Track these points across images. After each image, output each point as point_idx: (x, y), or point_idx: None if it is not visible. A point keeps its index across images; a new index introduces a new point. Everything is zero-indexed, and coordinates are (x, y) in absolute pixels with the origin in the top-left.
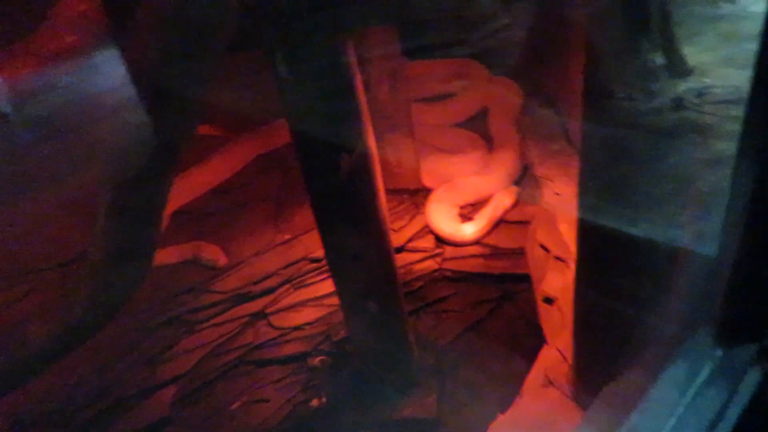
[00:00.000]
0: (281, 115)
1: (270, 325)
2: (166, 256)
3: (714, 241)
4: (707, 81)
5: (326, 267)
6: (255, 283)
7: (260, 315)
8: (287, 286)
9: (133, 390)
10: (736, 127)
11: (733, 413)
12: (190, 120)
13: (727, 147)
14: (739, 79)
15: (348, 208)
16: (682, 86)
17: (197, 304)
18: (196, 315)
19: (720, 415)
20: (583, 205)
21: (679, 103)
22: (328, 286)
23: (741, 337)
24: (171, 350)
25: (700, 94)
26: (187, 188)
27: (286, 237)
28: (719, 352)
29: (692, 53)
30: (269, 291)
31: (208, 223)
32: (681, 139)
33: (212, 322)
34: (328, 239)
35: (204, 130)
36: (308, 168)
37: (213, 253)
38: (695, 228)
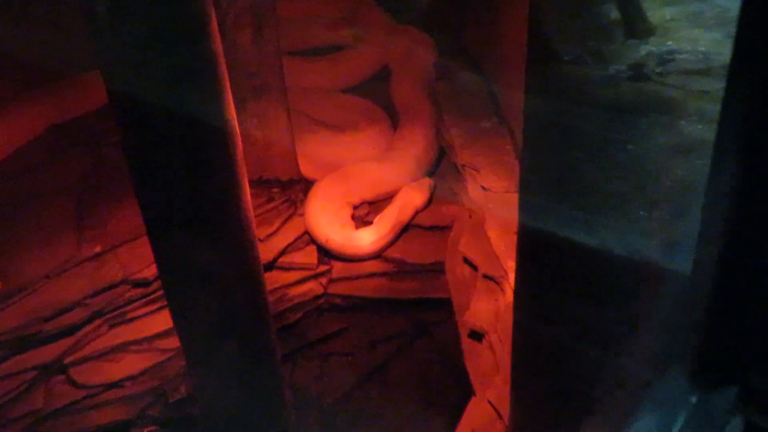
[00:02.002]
0: (92, 66)
1: (71, 381)
2: None
3: (688, 253)
4: (671, 44)
5: (159, 293)
6: (48, 320)
7: (56, 367)
8: (98, 322)
9: None
10: (708, 106)
11: None
12: None
13: (699, 130)
14: (708, 42)
15: (194, 207)
16: (642, 50)
17: None
18: None
19: None
20: (523, 205)
21: (638, 72)
22: (161, 321)
23: (720, 377)
24: None
25: (663, 60)
26: None
27: (96, 249)
28: (694, 399)
29: (653, 7)
30: (70, 331)
31: None
32: (643, 117)
33: None
34: (162, 252)
35: None
36: (134, 147)
37: None
38: (664, 236)
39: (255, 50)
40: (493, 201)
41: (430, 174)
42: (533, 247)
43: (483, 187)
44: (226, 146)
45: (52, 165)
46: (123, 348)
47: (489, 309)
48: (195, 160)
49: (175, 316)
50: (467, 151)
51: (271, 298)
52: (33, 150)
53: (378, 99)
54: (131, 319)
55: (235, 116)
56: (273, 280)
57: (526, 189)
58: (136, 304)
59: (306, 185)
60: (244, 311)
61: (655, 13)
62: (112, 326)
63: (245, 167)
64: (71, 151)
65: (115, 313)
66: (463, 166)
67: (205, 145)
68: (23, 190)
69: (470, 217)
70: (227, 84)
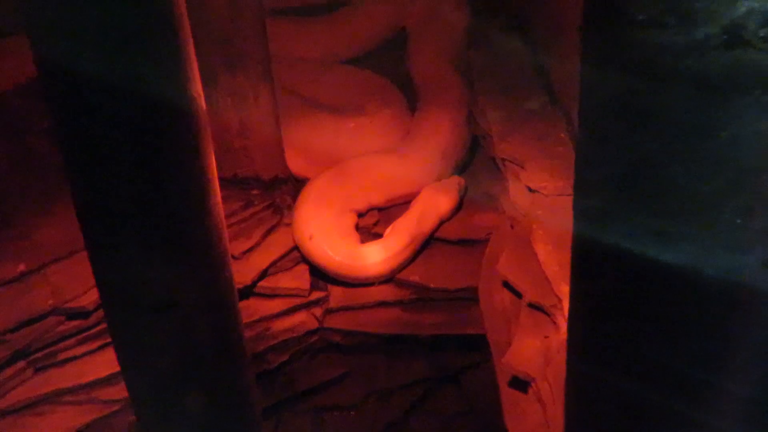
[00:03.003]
0: (15, 29)
1: None
2: None
3: None
4: None
5: (101, 327)
6: None
7: None
8: (21, 364)
9: None
10: None
11: None
12: None
13: None
14: None
15: (147, 214)
16: (742, 6)
17: None
18: None
19: None
20: (579, 211)
21: (736, 36)
22: (104, 364)
23: None
24: None
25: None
26: None
27: (20, 268)
28: None
29: None
30: None
31: None
32: (739, 96)
33: None
34: (105, 274)
35: None
36: (68, 135)
37: None
38: (766, 251)
39: (229, 9)
40: (543, 206)
41: (460, 171)
42: (593, 266)
43: (529, 188)
44: (189, 133)
45: None
46: (54, 398)
47: (536, 349)
48: (149, 152)
49: (121, 358)
50: (509, 141)
51: (248, 334)
52: None
53: (391, 73)
54: (64, 361)
55: (202, 94)
56: (252, 310)
57: (583, 189)
58: (70, 341)
59: (296, 186)
60: (211, 352)
61: None
62: (39, 370)
63: (215, 161)
64: None
65: (44, 352)
66: (503, 160)
67: (161, 131)
68: None
69: (512, 227)
70: (192, 53)
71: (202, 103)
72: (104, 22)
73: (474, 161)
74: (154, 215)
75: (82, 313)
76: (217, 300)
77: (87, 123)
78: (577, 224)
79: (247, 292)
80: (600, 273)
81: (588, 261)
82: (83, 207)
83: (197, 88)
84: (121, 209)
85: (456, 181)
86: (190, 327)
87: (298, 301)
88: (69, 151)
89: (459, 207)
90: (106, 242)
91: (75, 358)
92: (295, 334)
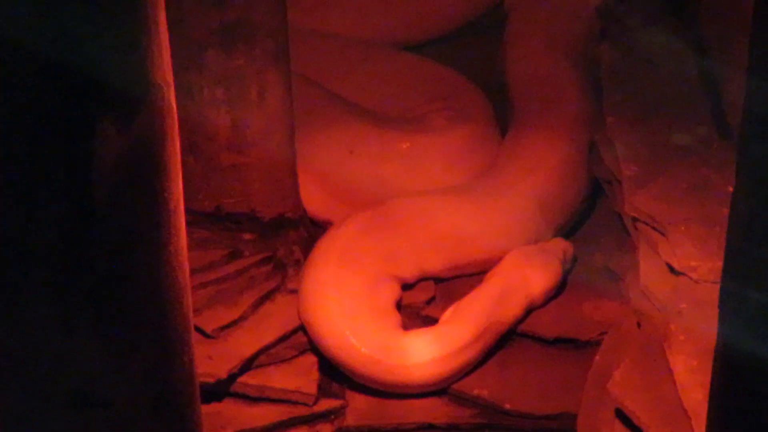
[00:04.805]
0: None
1: None
2: None
3: None
4: None
5: None
6: None
7: None
8: None
9: None
10: None
11: None
12: None
13: None
14: None
15: (68, 257)
16: None
17: None
18: None
19: None
20: (732, 309)
21: None
22: None
23: None
24: None
25: None
26: None
27: None
28: None
29: None
30: None
31: None
32: None
33: None
34: (4, 342)
35: None
36: None
37: None
38: None
39: None
40: (690, 298)
41: (567, 232)
42: (744, 389)
43: (671, 268)
44: (145, 138)
45: None
46: None
47: None
48: (76, 160)
49: None
50: (647, 192)
51: None
52: None
53: (473, 70)
54: None
55: (171, 83)
56: (224, 419)
57: (738, 273)
58: None
59: (310, 233)
60: None
61: None
62: None
63: (189, 184)
64: None
65: None
66: (634, 220)
67: (100, 131)
68: None
69: (639, 326)
70: (161, 19)
71: (171, 95)
72: None
73: (591, 218)
74: (76, 260)
75: None
76: (167, 399)
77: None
78: (725, 326)
79: (221, 390)
80: (755, 399)
81: (739, 381)
82: None
83: (163, 72)
84: (28, 242)
85: (559, 247)
86: None
87: (297, 410)
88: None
89: (561, 287)
90: (5, 296)
91: None
92: None
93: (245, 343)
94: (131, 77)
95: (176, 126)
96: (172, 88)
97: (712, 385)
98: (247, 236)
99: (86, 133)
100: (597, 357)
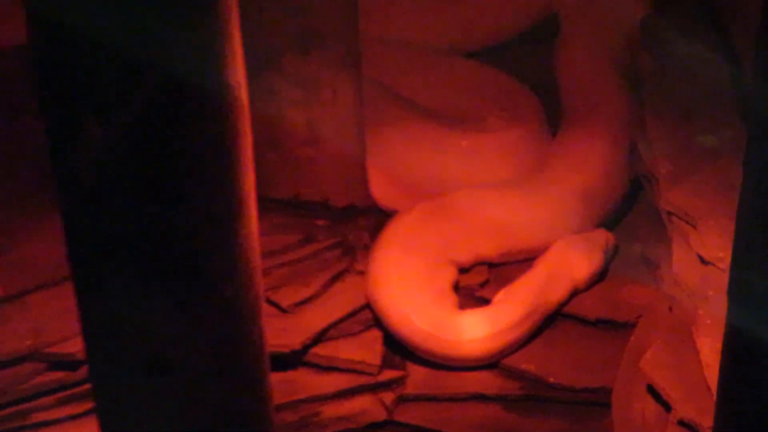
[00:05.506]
0: None
1: None
2: None
3: None
4: None
5: (87, 385)
6: None
7: None
8: None
9: None
10: None
11: None
12: None
13: None
14: None
15: (148, 239)
16: None
17: None
18: None
19: None
20: (739, 292)
21: None
22: None
23: None
24: None
25: None
26: None
27: None
28: None
29: None
30: None
31: None
32: None
33: None
34: (90, 315)
35: None
36: (55, 117)
37: None
38: None
39: None
40: (717, 285)
41: (609, 224)
42: (751, 371)
43: (701, 258)
44: (219, 133)
45: None
46: None
47: None
48: (157, 149)
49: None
50: (681, 188)
51: (289, 418)
52: None
53: (527, 74)
54: (37, 425)
55: (243, 84)
56: (298, 385)
57: (746, 259)
58: (49, 398)
59: (378, 220)
60: None
61: None
62: None
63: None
64: None
65: (12, 409)
66: (669, 214)
67: (179, 123)
68: None
69: (670, 310)
70: (235, 27)
71: (243, 95)
72: None
73: (631, 211)
74: (158, 242)
75: (69, 363)
76: (237, 368)
77: (76, 101)
78: (733, 309)
79: (295, 360)
80: (760, 380)
81: (745, 362)
82: (67, 218)
83: (237, 74)
84: (114, 226)
85: (602, 237)
86: (193, 400)
87: (362, 379)
88: (55, 139)
89: (602, 274)
90: (93, 271)
91: (53, 422)
92: (352, 425)
93: (317, 318)
94: (207, 77)
95: (248, 123)
96: (245, 88)
97: (721, 366)
98: (320, 222)
99: (170, 128)
100: (632, 337)
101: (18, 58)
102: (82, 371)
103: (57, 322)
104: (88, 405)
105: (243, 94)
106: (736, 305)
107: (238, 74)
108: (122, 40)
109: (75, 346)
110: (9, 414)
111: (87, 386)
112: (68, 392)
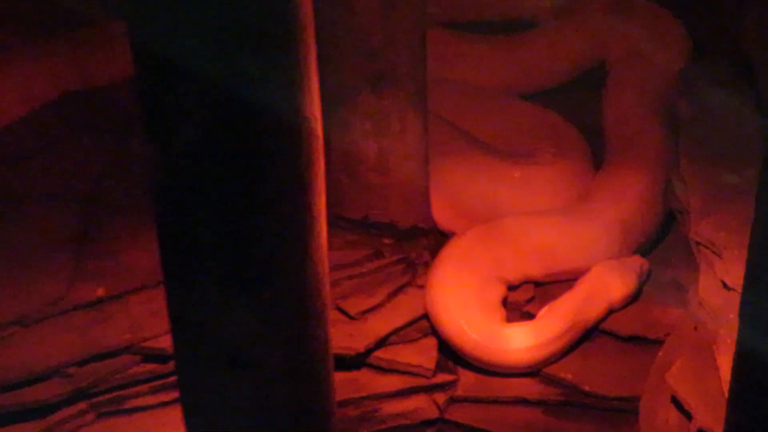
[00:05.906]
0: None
1: None
2: None
3: None
4: None
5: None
6: (7, 388)
7: None
8: (82, 405)
9: None
10: None
11: None
12: None
13: None
14: None
15: (234, 249)
16: None
17: None
18: None
19: None
20: (750, 317)
21: None
22: (179, 420)
23: None
24: None
25: None
26: None
27: (98, 292)
28: None
29: None
30: (38, 411)
31: None
32: None
33: None
34: (179, 313)
35: None
36: (154, 138)
37: None
38: None
39: (382, 15)
40: (738, 308)
41: (644, 251)
42: (760, 388)
43: (724, 284)
44: (297, 160)
45: (59, 153)
46: None
47: None
48: (243, 172)
49: (188, 418)
50: (709, 222)
51: (351, 413)
52: (37, 124)
53: (575, 115)
54: (132, 410)
55: (319, 118)
56: (360, 384)
57: (758, 285)
58: (143, 386)
59: (438, 241)
60: (296, 427)
61: None
62: (102, 416)
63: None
64: (86, 137)
65: (111, 395)
66: (698, 244)
67: (263, 151)
68: (12, 184)
69: (695, 330)
70: (313, 66)
71: (318, 128)
72: (219, 16)
73: (664, 241)
74: (239, 253)
75: (161, 356)
76: (304, 366)
77: (179, 124)
78: (744, 332)
79: (359, 361)
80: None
81: (755, 381)
82: (161, 228)
83: (313, 108)
84: (202, 236)
85: (637, 263)
86: (269, 393)
87: (418, 381)
88: (153, 157)
89: (636, 295)
90: (182, 275)
91: (146, 408)
92: (407, 421)
93: (380, 325)
94: (288, 110)
95: (322, 151)
96: (320, 121)
97: (732, 381)
98: (386, 241)
99: (252, 148)
100: (660, 353)
101: (127, 89)
102: (172, 364)
103: (152, 320)
104: (177, 394)
105: (318, 126)
106: (746, 326)
107: (314, 108)
108: (215, 74)
109: (167, 342)
110: (108, 399)
111: (175, 378)
112: (160, 382)
